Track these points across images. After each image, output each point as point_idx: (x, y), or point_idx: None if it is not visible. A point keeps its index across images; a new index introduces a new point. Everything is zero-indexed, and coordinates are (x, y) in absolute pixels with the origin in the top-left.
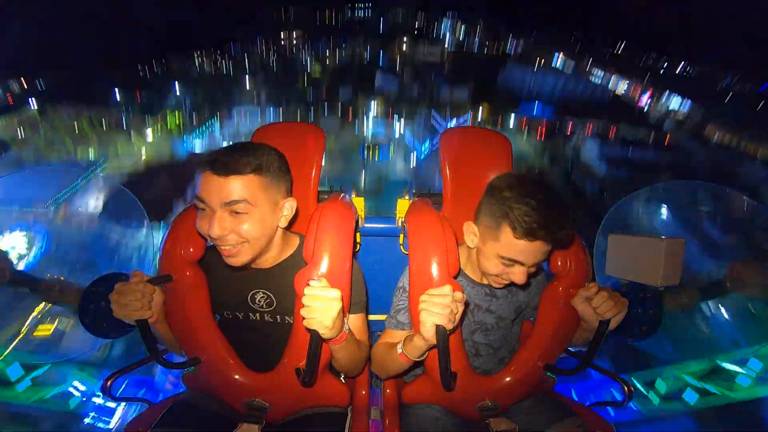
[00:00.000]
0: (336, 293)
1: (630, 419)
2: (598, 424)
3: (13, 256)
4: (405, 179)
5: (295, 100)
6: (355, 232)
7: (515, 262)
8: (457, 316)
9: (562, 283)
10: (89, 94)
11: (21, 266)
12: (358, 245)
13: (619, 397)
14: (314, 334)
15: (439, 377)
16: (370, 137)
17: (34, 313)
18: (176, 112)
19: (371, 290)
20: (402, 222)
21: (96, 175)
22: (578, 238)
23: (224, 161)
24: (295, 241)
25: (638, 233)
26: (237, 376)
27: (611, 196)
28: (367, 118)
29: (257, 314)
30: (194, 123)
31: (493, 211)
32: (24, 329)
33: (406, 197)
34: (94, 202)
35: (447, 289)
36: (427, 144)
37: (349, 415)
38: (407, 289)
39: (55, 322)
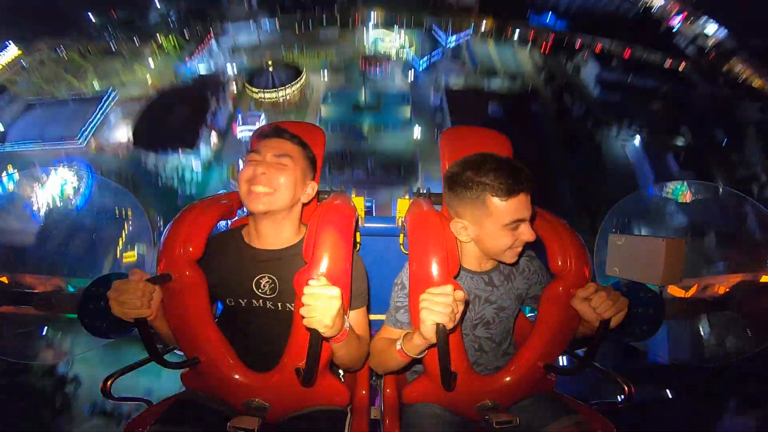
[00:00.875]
0: (336, 291)
1: None
2: (599, 423)
3: (69, 190)
4: (403, 94)
5: (290, 7)
6: (355, 231)
7: (518, 221)
8: (458, 316)
9: (562, 283)
10: (61, 23)
11: (78, 199)
12: (358, 245)
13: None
14: (314, 333)
15: (439, 377)
16: (371, 49)
17: (119, 247)
18: (170, 37)
19: (371, 291)
20: (402, 222)
21: (113, 107)
22: (578, 238)
23: (281, 130)
24: (303, 230)
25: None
26: (236, 376)
27: (594, 122)
28: (367, 28)
29: (260, 300)
30: (187, 39)
31: (469, 196)
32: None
33: (407, 197)
34: (123, 130)
35: (448, 288)
36: (425, 59)
37: (349, 414)
38: (407, 286)
39: (135, 249)
